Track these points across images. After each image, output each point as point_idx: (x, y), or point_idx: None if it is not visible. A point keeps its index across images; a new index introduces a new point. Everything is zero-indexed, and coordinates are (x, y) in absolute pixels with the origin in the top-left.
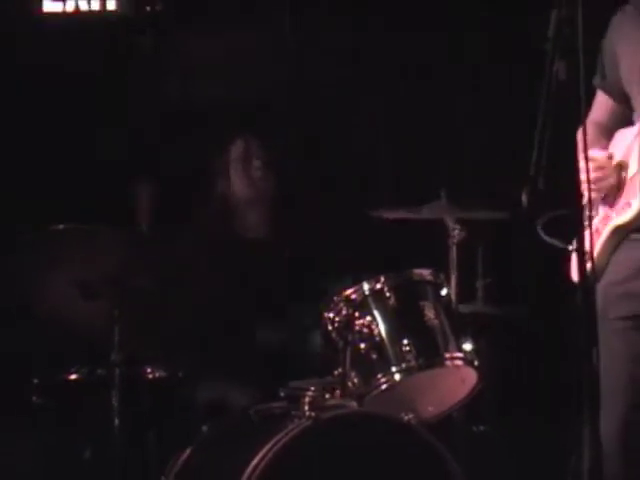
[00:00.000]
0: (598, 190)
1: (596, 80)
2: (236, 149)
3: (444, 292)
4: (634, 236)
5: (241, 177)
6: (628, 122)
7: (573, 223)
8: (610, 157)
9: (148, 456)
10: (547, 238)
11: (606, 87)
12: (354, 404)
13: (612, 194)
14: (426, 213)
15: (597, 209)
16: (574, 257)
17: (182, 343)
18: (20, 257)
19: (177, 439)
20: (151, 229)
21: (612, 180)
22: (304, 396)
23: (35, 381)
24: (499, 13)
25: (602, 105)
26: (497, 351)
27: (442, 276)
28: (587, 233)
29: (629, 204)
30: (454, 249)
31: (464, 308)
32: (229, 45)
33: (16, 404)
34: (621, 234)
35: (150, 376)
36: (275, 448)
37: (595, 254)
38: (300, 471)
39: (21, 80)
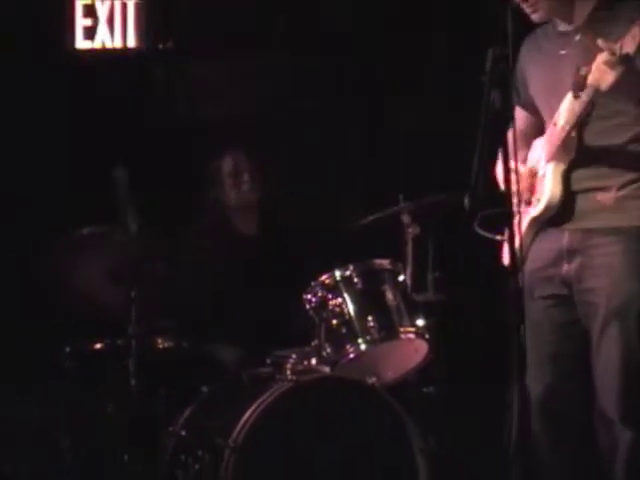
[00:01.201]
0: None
1: (514, 98)
2: (226, 164)
3: (401, 278)
4: (549, 229)
5: (231, 188)
6: (544, 130)
7: (502, 219)
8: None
9: (159, 411)
10: (482, 232)
11: (521, 104)
12: (327, 370)
13: (527, 195)
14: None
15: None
16: (504, 247)
17: (187, 319)
18: (57, 252)
19: (182, 397)
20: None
21: (526, 184)
22: (286, 363)
23: (67, 349)
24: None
25: (521, 118)
26: (445, 326)
27: (399, 265)
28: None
29: (539, 200)
30: (410, 244)
31: (417, 297)
32: (224, 74)
33: (51, 368)
34: (537, 226)
35: (160, 346)
36: (262, 406)
37: (518, 244)
38: (282, 425)
39: (58, 101)
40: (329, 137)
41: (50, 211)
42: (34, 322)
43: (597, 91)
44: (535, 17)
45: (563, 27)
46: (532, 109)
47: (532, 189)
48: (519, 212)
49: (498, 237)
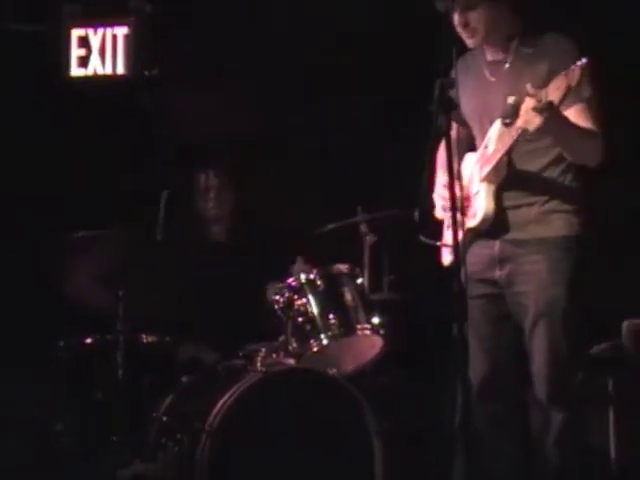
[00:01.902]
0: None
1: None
2: (201, 181)
3: (359, 281)
4: (483, 239)
5: (204, 202)
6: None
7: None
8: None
9: (144, 398)
10: (425, 240)
11: (454, 119)
12: (293, 362)
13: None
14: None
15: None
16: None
17: (168, 316)
18: (53, 253)
19: (164, 386)
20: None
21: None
22: (257, 356)
23: (61, 343)
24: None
25: (455, 131)
26: (398, 323)
27: (358, 269)
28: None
29: (475, 214)
30: (367, 251)
31: (374, 297)
32: (202, 101)
33: (46, 360)
34: (472, 235)
35: (145, 340)
36: (235, 394)
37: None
38: (253, 411)
39: (55, 121)
40: (295, 155)
41: (47, 216)
42: (33, 318)
43: (525, 131)
44: (470, 43)
45: (492, 56)
46: (463, 123)
47: (467, 203)
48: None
49: (438, 243)
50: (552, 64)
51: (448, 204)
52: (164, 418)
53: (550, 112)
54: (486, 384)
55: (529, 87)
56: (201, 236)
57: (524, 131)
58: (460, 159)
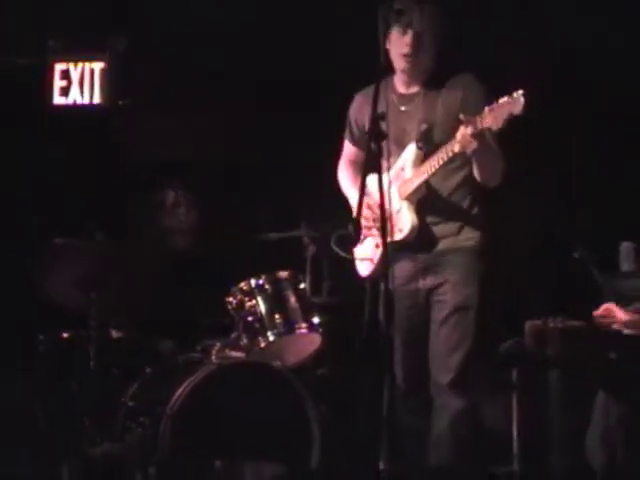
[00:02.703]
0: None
1: (346, 136)
2: (168, 197)
3: (302, 286)
4: (406, 252)
5: (171, 216)
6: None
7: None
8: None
9: (113, 386)
10: (337, 250)
11: (354, 142)
12: (244, 355)
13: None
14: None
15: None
16: (357, 263)
17: (134, 315)
18: (36, 258)
19: (131, 376)
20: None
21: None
22: (212, 349)
23: (41, 337)
24: None
25: (352, 152)
26: (336, 322)
27: (300, 276)
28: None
29: (401, 230)
30: (309, 260)
31: (314, 299)
32: (167, 127)
33: (27, 352)
34: (396, 248)
35: (114, 336)
36: (193, 382)
37: (376, 261)
38: (209, 397)
39: (38, 144)
40: (246, 175)
41: (33, 224)
42: (17, 315)
43: (455, 155)
44: (401, 66)
45: (404, 89)
46: (366, 147)
47: (390, 218)
48: (365, 235)
49: (349, 256)
50: (463, 98)
51: (369, 222)
52: (130, 403)
53: (484, 138)
54: (406, 377)
55: (462, 116)
56: (165, 245)
57: (454, 155)
58: (357, 176)
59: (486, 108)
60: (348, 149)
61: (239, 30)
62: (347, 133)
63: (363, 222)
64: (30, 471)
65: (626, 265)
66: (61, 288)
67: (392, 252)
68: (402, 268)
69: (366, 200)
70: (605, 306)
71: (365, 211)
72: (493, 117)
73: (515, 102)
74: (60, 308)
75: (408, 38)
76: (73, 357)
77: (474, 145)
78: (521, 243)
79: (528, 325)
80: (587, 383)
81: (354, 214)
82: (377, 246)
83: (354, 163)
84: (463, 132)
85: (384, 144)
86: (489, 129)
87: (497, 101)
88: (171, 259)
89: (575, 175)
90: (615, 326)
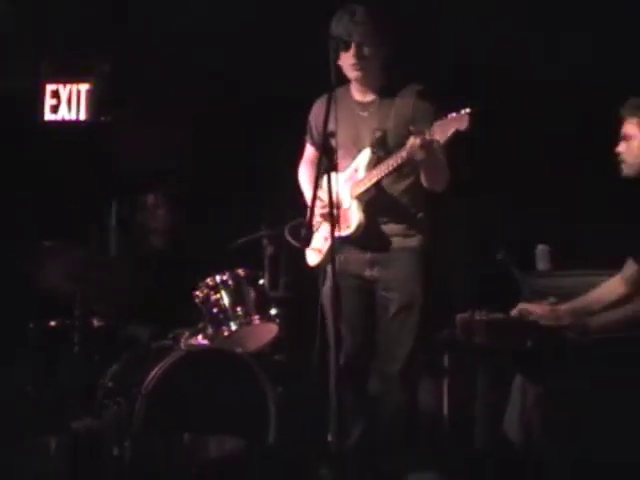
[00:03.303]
0: (321, 215)
1: (307, 139)
2: (149, 200)
3: (261, 282)
4: (357, 247)
5: (151, 217)
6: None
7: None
8: (320, 197)
9: (94, 369)
10: (290, 240)
11: (314, 146)
12: (209, 343)
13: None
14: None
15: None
16: (307, 252)
17: (114, 306)
18: (30, 257)
19: (110, 360)
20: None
21: (324, 209)
22: (182, 337)
23: (31, 325)
24: None
25: (313, 153)
26: (291, 313)
27: (260, 273)
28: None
29: (349, 226)
30: (267, 259)
31: (272, 294)
32: (148, 139)
33: (18, 339)
34: (346, 243)
35: (95, 324)
36: (165, 366)
37: (324, 253)
38: (178, 380)
39: (31, 156)
40: (214, 184)
41: (25, 229)
42: (8, 306)
43: (405, 161)
44: (353, 75)
45: (360, 97)
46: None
47: (338, 218)
48: (317, 228)
49: (300, 245)
50: (414, 107)
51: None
52: (109, 384)
53: (432, 148)
54: (351, 361)
55: (412, 128)
56: (145, 244)
57: (403, 162)
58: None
59: (435, 123)
60: (308, 150)
61: (216, 46)
62: (308, 136)
63: (316, 216)
64: (22, 442)
65: (541, 265)
66: (51, 280)
67: (340, 245)
68: (351, 257)
69: (321, 195)
70: (518, 307)
71: (319, 205)
72: (440, 131)
73: (461, 119)
74: (49, 298)
75: (351, 50)
76: (59, 343)
77: (422, 155)
78: (453, 246)
79: (458, 318)
80: (508, 368)
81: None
82: (326, 239)
83: (313, 163)
84: (412, 142)
85: (337, 146)
86: (437, 142)
87: (446, 117)
88: (149, 255)
89: (498, 186)
90: (532, 317)
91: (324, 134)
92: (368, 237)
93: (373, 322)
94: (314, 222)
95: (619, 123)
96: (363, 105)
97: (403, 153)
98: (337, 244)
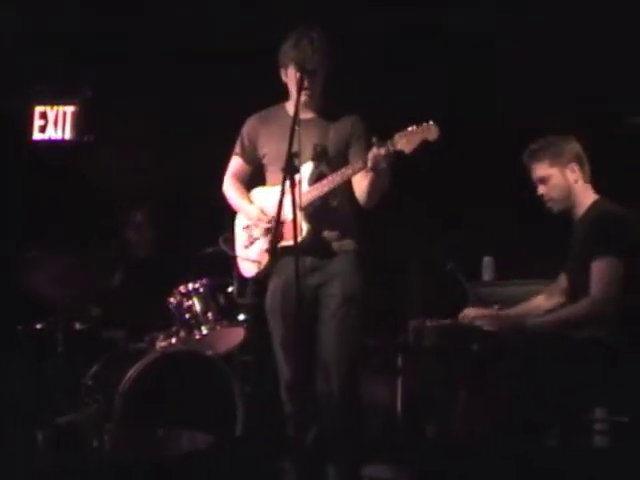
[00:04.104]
0: (264, 229)
1: (236, 152)
2: (136, 216)
3: (230, 289)
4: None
5: (137, 231)
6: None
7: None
8: (262, 211)
9: (78, 368)
10: (224, 248)
11: (244, 158)
12: (182, 346)
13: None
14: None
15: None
16: (242, 264)
17: (95, 311)
18: (20, 265)
19: (91, 360)
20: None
21: (268, 224)
22: (157, 340)
23: (19, 327)
24: None
25: (240, 166)
26: (257, 319)
27: (229, 280)
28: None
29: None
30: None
31: (240, 300)
32: (130, 160)
33: (7, 341)
34: (287, 252)
35: (78, 327)
36: (141, 367)
37: (263, 265)
38: (154, 379)
39: (21, 172)
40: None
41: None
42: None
43: (359, 171)
44: (303, 98)
45: (300, 114)
46: (254, 164)
47: (282, 229)
48: (254, 240)
49: (234, 254)
50: (352, 128)
51: (262, 229)
52: (89, 383)
53: (392, 159)
54: (294, 377)
55: (374, 140)
56: (129, 253)
57: (358, 171)
58: (248, 191)
59: (396, 134)
60: (236, 163)
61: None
62: (238, 149)
63: (256, 229)
64: (12, 435)
65: (487, 275)
66: (38, 285)
67: (281, 255)
68: (291, 268)
69: (260, 209)
70: (465, 311)
71: (259, 217)
72: (406, 142)
73: (429, 129)
74: (37, 301)
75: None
76: (45, 344)
77: (384, 165)
78: (407, 257)
79: (411, 324)
80: (456, 369)
81: (250, 222)
82: (266, 251)
83: (239, 175)
84: (376, 153)
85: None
86: (402, 152)
87: (406, 129)
88: (131, 266)
89: (445, 201)
90: (477, 323)
91: (289, 154)
92: (309, 245)
93: (312, 335)
94: (255, 234)
95: (525, 171)
96: (301, 122)
97: (360, 164)
98: (282, 252)
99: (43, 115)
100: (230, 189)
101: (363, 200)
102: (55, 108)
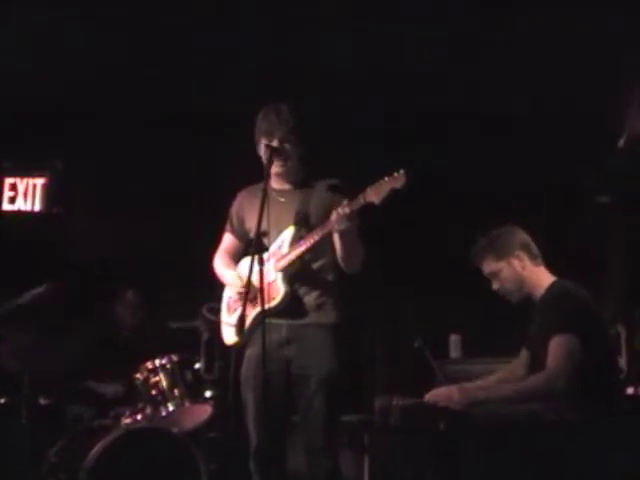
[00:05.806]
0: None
1: (227, 228)
2: (128, 296)
3: (197, 366)
4: (272, 323)
5: (128, 310)
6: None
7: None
8: (239, 276)
9: (41, 444)
10: (209, 316)
11: (234, 234)
12: (147, 422)
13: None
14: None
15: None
16: (225, 331)
17: (60, 386)
18: None
19: (55, 435)
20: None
21: (242, 288)
22: (122, 416)
23: None
24: None
25: (231, 243)
26: (224, 395)
27: (196, 357)
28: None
29: (274, 298)
30: (203, 345)
31: (207, 376)
32: (97, 229)
33: None
34: (266, 316)
35: (42, 402)
36: (105, 443)
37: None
38: (118, 456)
39: None
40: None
41: None
42: None
43: (328, 232)
44: (274, 170)
45: (277, 186)
46: (243, 239)
47: (262, 293)
48: (235, 307)
49: (217, 319)
50: (332, 195)
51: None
52: (53, 459)
53: (355, 220)
54: (266, 448)
55: (345, 201)
56: (115, 326)
57: (327, 232)
58: (236, 263)
59: (368, 188)
60: (227, 239)
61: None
62: (228, 226)
63: (236, 296)
64: None
65: (454, 353)
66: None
67: (260, 322)
68: (269, 336)
69: (237, 274)
70: (430, 393)
71: (234, 282)
72: (375, 193)
73: (397, 178)
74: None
75: (276, 142)
76: (9, 419)
77: (345, 225)
78: (374, 335)
79: (377, 401)
80: (423, 448)
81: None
82: (245, 316)
83: (230, 251)
84: (339, 212)
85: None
86: (372, 203)
87: (379, 180)
88: (117, 335)
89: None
90: (443, 403)
91: (257, 233)
92: (288, 309)
93: (288, 405)
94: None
95: (475, 266)
96: (282, 192)
97: (328, 225)
98: (258, 321)
99: (13, 187)
100: (217, 262)
101: (341, 264)
102: (25, 180)
